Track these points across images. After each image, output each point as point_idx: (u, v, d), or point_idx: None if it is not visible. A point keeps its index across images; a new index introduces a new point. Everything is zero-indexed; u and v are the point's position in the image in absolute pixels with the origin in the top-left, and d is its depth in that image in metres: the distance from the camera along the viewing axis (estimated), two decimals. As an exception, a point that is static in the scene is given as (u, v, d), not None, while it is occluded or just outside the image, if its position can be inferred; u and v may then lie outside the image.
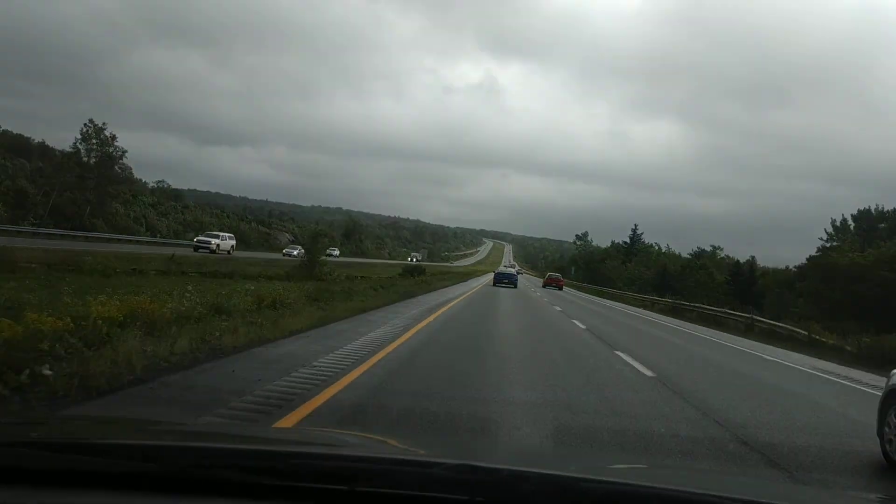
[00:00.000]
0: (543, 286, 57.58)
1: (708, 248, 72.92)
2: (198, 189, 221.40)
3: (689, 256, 71.50)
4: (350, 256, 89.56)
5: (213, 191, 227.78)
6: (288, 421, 5.21)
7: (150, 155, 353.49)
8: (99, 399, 5.27)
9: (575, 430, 6.05)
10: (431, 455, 2.06)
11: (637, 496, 1.57)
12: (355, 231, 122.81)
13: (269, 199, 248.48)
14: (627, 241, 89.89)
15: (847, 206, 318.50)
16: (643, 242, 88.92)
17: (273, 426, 4.81)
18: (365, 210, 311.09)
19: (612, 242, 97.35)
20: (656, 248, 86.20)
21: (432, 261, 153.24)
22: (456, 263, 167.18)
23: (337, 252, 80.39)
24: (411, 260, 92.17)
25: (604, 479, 1.72)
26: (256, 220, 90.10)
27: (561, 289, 56.35)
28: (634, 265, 72.61)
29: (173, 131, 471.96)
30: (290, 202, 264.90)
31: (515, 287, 46.30)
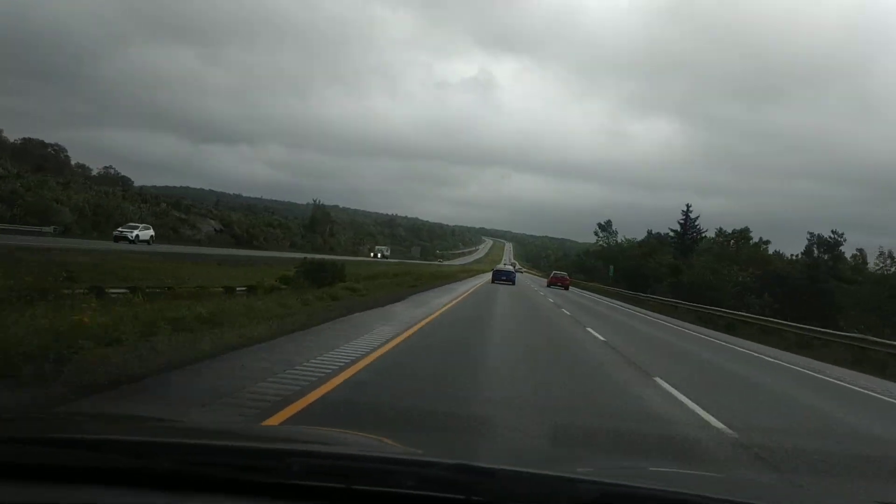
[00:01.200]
0: (548, 285, 54.48)
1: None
2: (191, 186, 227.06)
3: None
4: (307, 252, 68.88)
5: (206, 188, 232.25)
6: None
7: (147, 153, 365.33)
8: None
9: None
10: (429, 454, 2.05)
11: (632, 497, 1.57)
12: (323, 223, 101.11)
13: (262, 197, 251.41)
14: (677, 229, 66.32)
15: (846, 205, 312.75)
16: (701, 232, 65.07)
17: (269, 424, 4.76)
18: (362, 208, 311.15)
19: (650, 232, 75.18)
20: (754, 239, 60.88)
21: (425, 259, 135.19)
22: (451, 262, 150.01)
23: (141, 233, 43.62)
24: (376, 255, 70.92)
25: (599, 479, 1.72)
26: (171, 203, 68.64)
27: (567, 288, 53.16)
28: (706, 264, 48.33)
29: (170, 130, 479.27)
30: (286, 199, 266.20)
31: (513, 284, 47.60)
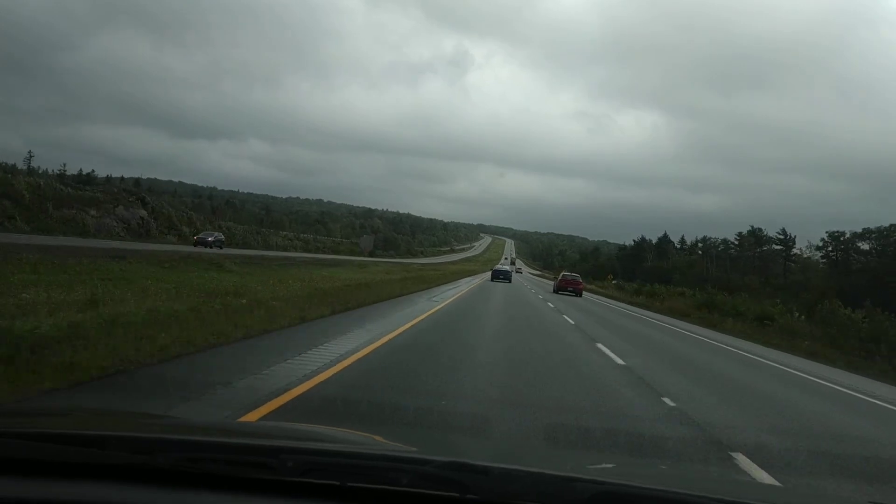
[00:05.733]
0: (555, 291, 41.62)
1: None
2: (160, 179, 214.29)
3: None
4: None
5: (189, 183, 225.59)
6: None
7: (138, 150, 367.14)
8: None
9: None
10: (424, 452, 2.03)
11: (628, 496, 1.55)
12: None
13: (239, 190, 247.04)
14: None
15: (844, 203, 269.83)
16: None
17: (265, 421, 4.59)
18: (358, 204, 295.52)
19: None
20: None
21: (385, 255, 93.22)
22: (428, 260, 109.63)
23: None
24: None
25: (595, 478, 1.68)
26: None
27: (580, 294, 41.09)
28: None
29: (152, 126, 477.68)
30: (263, 192, 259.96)
31: (510, 282, 46.65)
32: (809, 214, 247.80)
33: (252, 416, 4.74)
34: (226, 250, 35.44)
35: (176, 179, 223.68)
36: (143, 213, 38.85)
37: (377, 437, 2.45)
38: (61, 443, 1.55)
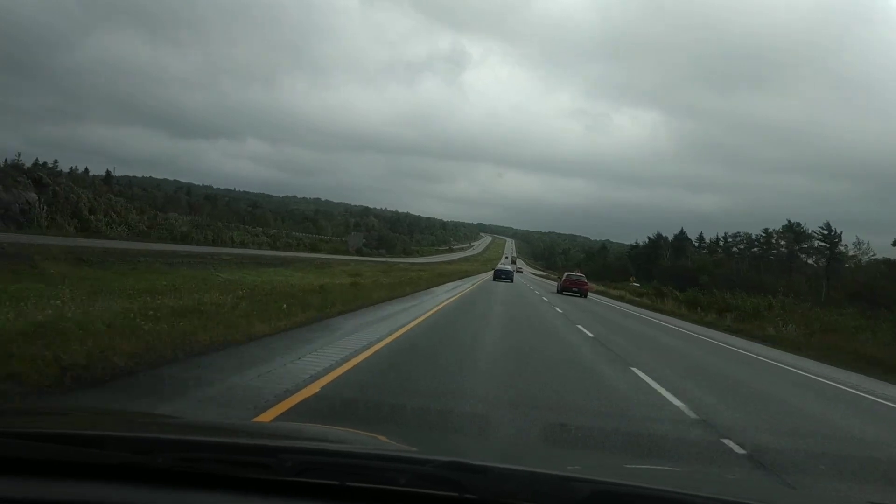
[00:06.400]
0: (559, 292, 39.83)
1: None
2: (154, 176, 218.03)
3: None
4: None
5: (186, 181, 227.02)
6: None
7: (137, 150, 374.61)
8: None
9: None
10: (423, 452, 2.03)
11: (626, 495, 1.55)
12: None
13: (235, 188, 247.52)
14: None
15: (844, 203, 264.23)
16: None
17: (264, 420, 4.67)
18: (346, 202, 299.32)
19: None
20: None
21: (376, 254, 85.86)
22: (424, 259, 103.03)
23: None
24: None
25: (592, 478, 1.67)
26: None
27: (585, 295, 39.14)
28: None
29: (154, 126, 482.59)
30: (260, 191, 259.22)
31: (511, 281, 48.61)
32: (809, 214, 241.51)
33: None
34: (90, 242, 26.13)
35: (172, 178, 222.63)
36: (33, 196, 29.99)
37: (378, 437, 2.40)
38: (61, 443, 1.54)
